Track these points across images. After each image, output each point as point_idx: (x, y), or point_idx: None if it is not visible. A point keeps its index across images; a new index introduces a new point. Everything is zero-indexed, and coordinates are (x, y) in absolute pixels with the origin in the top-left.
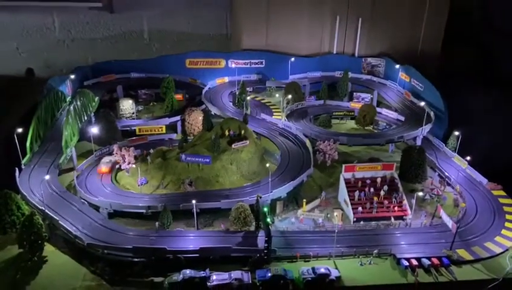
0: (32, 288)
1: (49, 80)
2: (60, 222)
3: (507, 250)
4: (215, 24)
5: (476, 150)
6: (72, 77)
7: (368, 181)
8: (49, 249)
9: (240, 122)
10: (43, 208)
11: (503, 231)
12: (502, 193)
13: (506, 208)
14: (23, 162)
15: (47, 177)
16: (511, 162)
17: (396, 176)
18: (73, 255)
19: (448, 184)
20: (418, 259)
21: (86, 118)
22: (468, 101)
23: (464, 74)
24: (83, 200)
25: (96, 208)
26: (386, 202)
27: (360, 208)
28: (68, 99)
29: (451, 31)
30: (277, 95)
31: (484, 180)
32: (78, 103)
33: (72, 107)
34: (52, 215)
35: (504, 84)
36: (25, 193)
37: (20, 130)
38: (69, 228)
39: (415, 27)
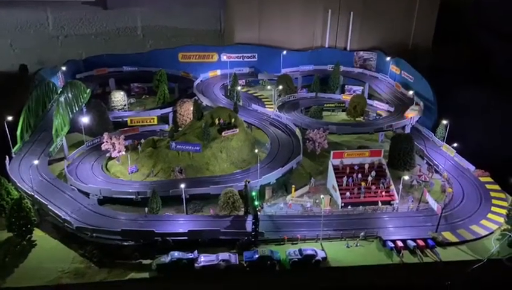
0: (22, 271)
1: (40, 71)
2: (49, 206)
3: (492, 232)
4: (209, 21)
5: (464, 140)
6: (64, 68)
7: (356, 167)
8: (38, 234)
9: (230, 111)
10: (33, 194)
11: (489, 215)
12: (489, 179)
13: (492, 194)
14: (13, 150)
15: (36, 162)
16: (499, 150)
17: (384, 162)
18: (63, 239)
19: (436, 171)
20: (404, 241)
21: (77, 108)
22: (457, 95)
23: (454, 70)
24: (72, 187)
25: (87, 195)
26: (373, 187)
27: (348, 193)
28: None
29: (442, 27)
30: (268, 87)
31: (472, 167)
32: (69, 94)
33: (62, 98)
34: (41, 200)
35: (494, 80)
36: (14, 180)
37: (10, 118)
38: (58, 212)
39: (406, 21)
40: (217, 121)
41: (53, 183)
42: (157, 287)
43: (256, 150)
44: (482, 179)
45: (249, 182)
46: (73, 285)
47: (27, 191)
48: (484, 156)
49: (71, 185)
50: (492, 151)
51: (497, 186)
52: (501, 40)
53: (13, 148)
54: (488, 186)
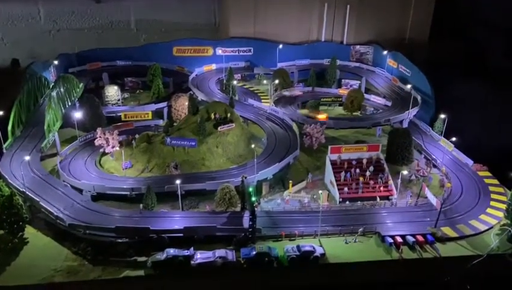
0: (14, 269)
1: (31, 65)
2: (40, 203)
3: (492, 227)
4: (204, 14)
5: (462, 134)
6: (56, 62)
7: (354, 162)
8: (30, 232)
9: (226, 106)
10: (24, 190)
11: (488, 210)
12: (488, 173)
13: (491, 188)
14: (4, 146)
15: (27, 157)
16: (497, 144)
17: (382, 157)
18: (55, 236)
19: (435, 166)
20: (403, 236)
21: (69, 103)
22: (455, 89)
23: (451, 63)
24: (65, 183)
25: (80, 191)
26: (371, 182)
27: (345, 189)
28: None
29: (438, 21)
30: (265, 82)
31: (470, 162)
32: (62, 89)
33: (54, 93)
34: (33, 196)
35: (491, 74)
36: (6, 176)
37: (1, 113)
38: (50, 209)
39: (403, 15)
40: (212, 116)
41: (45, 179)
42: (152, 285)
43: (252, 145)
44: (480, 173)
45: (245, 177)
46: (67, 283)
47: (18, 187)
48: (482, 150)
49: (64, 181)
50: (491, 145)
51: (495, 181)
52: (497, 33)
53: (4, 143)
54: (486, 180)
